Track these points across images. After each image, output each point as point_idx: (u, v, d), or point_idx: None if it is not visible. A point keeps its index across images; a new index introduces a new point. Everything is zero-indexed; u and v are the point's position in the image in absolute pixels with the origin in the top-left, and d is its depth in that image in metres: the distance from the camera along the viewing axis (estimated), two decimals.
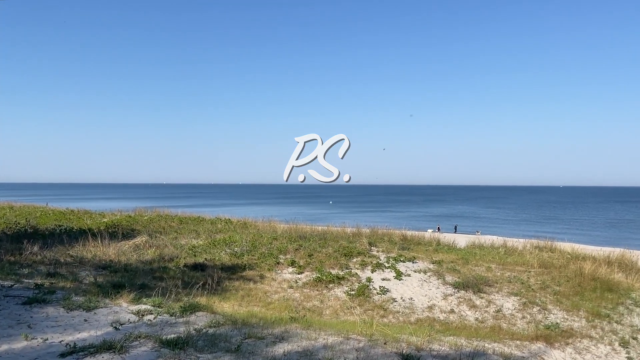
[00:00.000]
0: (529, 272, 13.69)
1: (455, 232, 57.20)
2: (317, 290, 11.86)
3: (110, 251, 13.35)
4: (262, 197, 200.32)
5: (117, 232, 16.78)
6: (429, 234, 22.52)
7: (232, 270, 12.90)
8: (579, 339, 9.52)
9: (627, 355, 9.29)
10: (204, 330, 6.25)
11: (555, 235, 22.35)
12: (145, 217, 21.50)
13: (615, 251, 17.37)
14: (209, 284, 10.79)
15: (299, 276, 12.77)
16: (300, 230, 18.38)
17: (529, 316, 10.63)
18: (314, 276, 12.60)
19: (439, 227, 60.51)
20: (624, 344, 9.64)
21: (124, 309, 7.30)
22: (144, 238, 15.79)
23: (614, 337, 9.86)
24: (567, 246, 18.24)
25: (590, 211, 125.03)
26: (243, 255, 14.33)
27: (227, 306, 9.53)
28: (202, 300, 8.99)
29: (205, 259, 13.78)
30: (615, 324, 10.47)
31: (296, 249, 14.84)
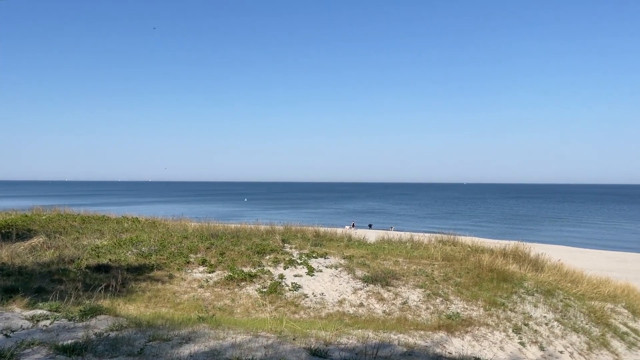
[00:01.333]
0: (433, 265, 14.38)
1: (370, 228, 58.87)
2: (228, 288, 11.71)
3: (2, 253, 12.37)
4: (174, 195, 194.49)
5: (11, 232, 15.58)
6: (341, 230, 22.97)
7: (139, 271, 12.42)
8: (477, 327, 10.14)
9: (519, 340, 10.04)
10: (105, 334, 5.96)
11: (458, 230, 23.59)
12: (44, 217, 20.11)
13: (510, 244, 18.64)
14: (113, 285, 10.31)
15: (210, 275, 12.54)
16: (212, 228, 18.04)
17: (432, 307, 11.17)
18: (225, 275, 12.43)
19: (353, 224, 61.94)
20: (517, 330, 10.41)
21: (17, 314, 6.78)
22: (41, 239, 14.78)
23: (508, 324, 10.62)
24: (467, 240, 19.29)
25: (488, 206, 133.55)
26: (151, 255, 13.83)
27: (132, 308, 9.16)
28: (105, 303, 8.56)
29: (110, 259, 13.15)
30: (509, 312, 11.27)
31: (207, 248, 14.56)
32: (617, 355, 11.09)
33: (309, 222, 21.51)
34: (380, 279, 12.42)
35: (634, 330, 13.46)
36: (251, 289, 11.71)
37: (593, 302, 14.15)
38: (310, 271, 13.02)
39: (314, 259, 14.09)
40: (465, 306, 11.37)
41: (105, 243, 15.17)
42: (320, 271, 13.13)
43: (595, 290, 15.65)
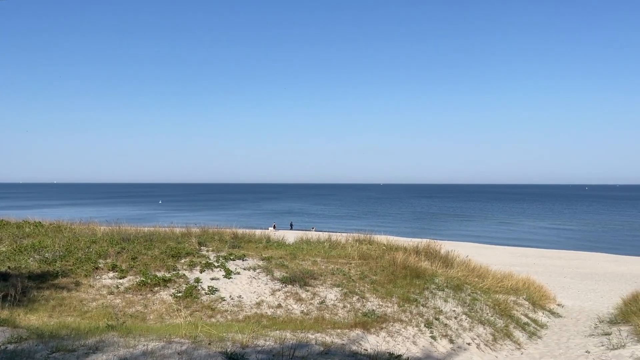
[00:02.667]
0: (350, 263, 14.64)
1: (291, 228, 59.00)
2: (141, 294, 11.24)
3: None
4: (82, 197, 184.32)
5: None
6: (260, 231, 22.80)
7: (42, 279, 11.61)
8: (391, 323, 10.44)
9: (431, 334, 10.46)
10: (2, 347, 5.51)
11: (374, 229, 24.23)
12: None
13: (422, 241, 19.36)
14: (12, 295, 9.56)
15: (121, 281, 11.98)
16: (123, 232, 17.22)
17: (349, 305, 11.36)
18: (138, 280, 11.92)
19: (274, 225, 61.82)
20: (429, 324, 10.84)
21: None
22: None
23: (421, 319, 11.03)
24: (383, 238, 19.82)
25: (402, 206, 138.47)
26: (55, 262, 12.97)
27: (34, 318, 8.55)
28: (3, 313, 7.94)
29: (9, 267, 12.19)
30: (421, 307, 11.71)
31: (118, 252, 13.89)
32: (519, 344, 11.86)
33: (227, 224, 21.14)
34: (299, 279, 12.46)
35: (534, 321, 14.48)
36: (165, 294, 11.31)
37: (498, 295, 15.06)
38: (228, 274, 12.80)
39: (231, 261, 13.87)
40: (381, 303, 11.68)
41: (4, 249, 14.05)
42: (238, 273, 12.95)
43: (499, 284, 16.66)
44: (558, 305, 18.39)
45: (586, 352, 11.08)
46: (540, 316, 15.40)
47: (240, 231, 19.20)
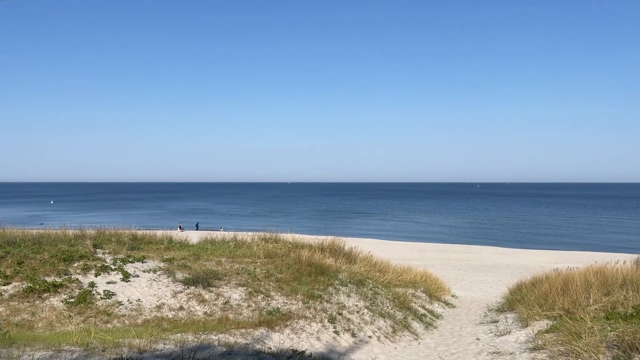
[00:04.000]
0: (256, 262, 14.57)
1: (197, 229, 57.46)
2: (28, 301, 10.42)
3: None
4: None
5: None
6: (161, 232, 22.00)
7: None
8: (296, 320, 10.53)
9: (334, 329, 10.68)
10: None
11: (280, 227, 24.31)
12: None
13: (327, 239, 19.69)
14: None
15: (5, 287, 11.02)
16: (8, 234, 15.85)
17: (254, 304, 11.30)
18: (24, 286, 11.03)
19: (180, 225, 59.98)
20: (332, 320, 11.07)
21: None
22: None
23: (324, 314, 11.23)
24: (289, 236, 19.92)
25: (308, 204, 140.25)
26: None
27: None
28: None
29: None
30: (325, 303, 11.92)
31: (2, 257, 12.77)
32: (416, 335, 12.45)
33: (125, 225, 20.18)
34: (202, 280, 12.19)
35: (430, 312, 15.26)
36: (56, 300, 10.57)
37: (397, 289, 15.70)
38: (126, 277, 12.22)
39: (130, 264, 13.25)
40: (286, 301, 11.73)
41: None
42: (138, 276, 12.41)
43: (399, 278, 17.37)
44: (452, 296, 19.53)
45: (477, 339, 11.87)
46: (436, 307, 16.26)
47: (140, 232, 18.41)
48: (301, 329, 10.23)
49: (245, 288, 12.21)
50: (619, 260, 14.78)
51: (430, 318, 14.45)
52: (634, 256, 15.65)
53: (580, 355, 7.97)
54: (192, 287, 11.89)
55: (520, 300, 14.54)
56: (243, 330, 9.34)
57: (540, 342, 9.58)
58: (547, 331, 10.32)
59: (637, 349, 7.61)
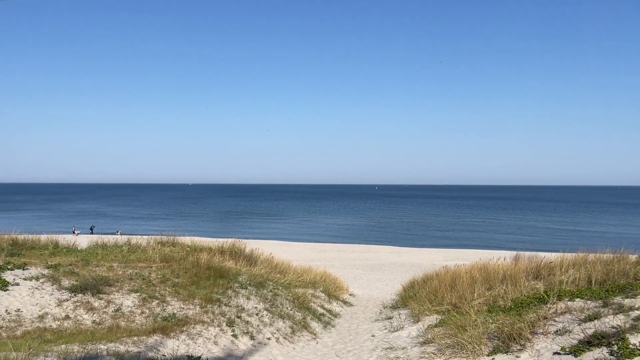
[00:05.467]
0: (151, 267, 13.99)
1: (92, 232, 54.07)
2: None
3: None
4: None
5: None
6: (45, 236, 20.43)
7: None
8: (193, 325, 10.25)
9: (232, 333, 10.54)
10: None
11: (179, 230, 23.53)
12: None
13: (228, 241, 19.42)
14: None
15: None
16: None
17: (148, 311, 10.84)
18: None
19: (74, 229, 56.17)
20: (230, 323, 10.91)
21: None
22: None
23: (223, 318, 11.04)
24: (188, 239, 19.39)
25: (209, 206, 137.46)
26: None
27: None
28: None
29: None
30: (224, 307, 11.73)
31: None
32: (315, 334, 12.63)
33: (6, 229, 18.55)
34: (91, 287, 11.48)
35: (329, 311, 15.56)
36: None
37: (298, 290, 15.83)
38: (4, 285, 11.19)
39: (9, 271, 12.16)
40: (182, 306, 11.39)
41: None
42: (17, 284, 11.42)
43: (299, 279, 17.54)
44: (350, 295, 20.06)
45: (372, 335, 12.29)
46: (335, 306, 16.61)
47: (21, 237, 16.99)
48: (198, 334, 9.98)
49: (138, 294, 11.68)
50: (500, 257, 16.00)
51: (328, 317, 14.73)
52: (513, 253, 17.01)
53: (464, 347, 8.52)
54: (80, 295, 11.16)
55: (413, 297, 15.27)
56: (135, 338, 8.92)
57: (429, 336, 10.12)
58: (436, 325, 10.93)
59: (514, 339, 8.27)
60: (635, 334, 7.11)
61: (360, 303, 18.51)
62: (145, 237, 19.96)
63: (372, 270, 33.20)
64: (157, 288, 12.25)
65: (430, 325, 11.27)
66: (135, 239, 18.85)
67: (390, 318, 14.10)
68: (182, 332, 9.80)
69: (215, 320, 10.82)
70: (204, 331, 10.19)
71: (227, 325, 10.81)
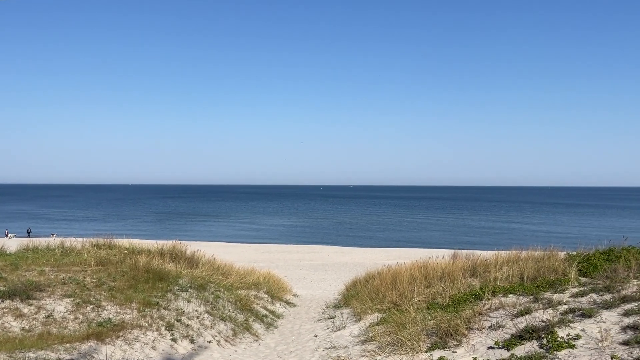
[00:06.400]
0: (86, 271, 13.42)
1: (29, 235, 51.41)
2: None
3: None
4: None
5: None
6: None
7: None
8: (129, 330, 9.92)
9: (171, 337, 10.28)
10: None
11: (117, 232, 22.74)
12: None
13: (168, 243, 18.97)
14: None
15: None
16: None
17: (82, 316, 10.40)
18: None
19: (7, 232, 53.20)
20: (170, 327, 10.64)
21: None
22: None
23: (162, 322, 10.75)
24: (126, 242, 18.79)
25: (149, 207, 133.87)
26: None
27: None
28: None
29: None
30: (163, 310, 11.42)
31: None
32: (257, 336, 12.53)
33: None
34: (20, 292, 10.87)
35: (272, 312, 15.48)
36: None
37: (240, 291, 15.66)
38: None
39: None
40: (119, 310, 11.00)
41: None
42: None
43: (242, 280, 17.35)
44: (294, 295, 20.06)
45: (314, 335, 12.33)
46: (278, 307, 16.55)
47: None
48: (135, 339, 9.67)
49: (72, 299, 11.17)
50: (439, 256, 16.47)
51: (271, 318, 14.66)
52: (451, 251, 17.56)
53: (404, 344, 8.69)
54: (8, 301, 10.55)
55: (355, 296, 15.45)
56: (68, 345, 8.53)
57: (371, 334, 10.26)
58: (377, 324, 11.10)
59: (451, 335, 8.53)
60: (563, 327, 7.49)
61: (304, 303, 18.54)
62: (80, 239, 19.16)
63: (316, 271, 33.36)
64: (92, 292, 11.77)
65: (371, 323, 11.43)
66: (69, 242, 18.06)
67: (332, 317, 14.20)
68: (118, 337, 9.46)
69: (153, 325, 10.51)
70: (142, 336, 9.88)
71: (166, 329, 10.53)
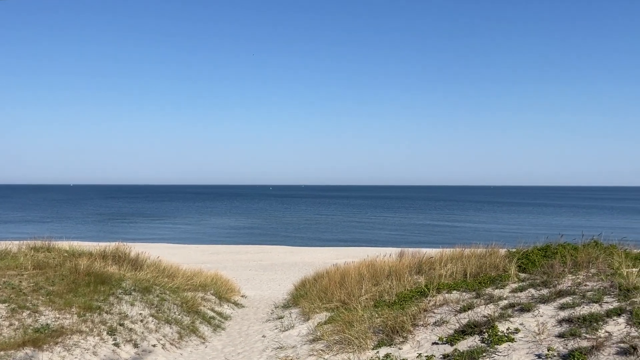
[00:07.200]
0: (22, 275, 12.80)
1: None
2: None
3: None
4: None
5: None
6: None
7: None
8: (69, 336, 9.54)
9: (114, 342, 9.96)
10: None
11: (56, 234, 21.80)
12: None
13: (111, 245, 18.38)
14: None
15: None
16: None
17: (17, 322, 9.90)
18: None
19: None
20: (112, 331, 10.30)
21: None
22: None
23: (103, 327, 10.39)
24: (66, 244, 18.09)
25: (91, 207, 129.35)
26: None
27: None
28: None
29: None
30: (105, 315, 11.04)
31: None
32: (204, 338, 12.33)
33: None
34: None
35: (219, 314, 15.28)
36: None
37: (187, 293, 15.37)
38: None
39: None
40: (58, 315, 10.55)
41: None
42: None
43: (189, 282, 17.04)
44: (242, 296, 19.87)
45: (263, 336, 12.26)
46: (226, 309, 16.36)
47: None
48: (75, 344, 9.30)
49: (7, 304, 10.62)
50: (386, 254, 16.72)
51: (219, 320, 14.46)
52: (398, 249, 17.87)
53: (352, 342, 8.77)
54: None
55: (304, 296, 15.48)
56: (2, 352, 8.11)
57: (319, 333, 10.31)
58: (325, 323, 11.16)
59: (397, 331, 8.68)
60: (504, 322, 7.77)
61: (252, 304, 18.41)
62: (16, 242, 18.27)
63: (265, 271, 33.19)
64: (29, 297, 11.23)
65: (319, 322, 11.48)
66: (4, 245, 17.20)
67: (281, 318, 14.17)
68: (56, 343, 9.08)
69: (95, 329, 10.15)
70: (82, 341, 9.52)
71: (108, 333, 10.19)
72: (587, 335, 6.54)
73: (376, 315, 9.90)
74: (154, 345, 10.58)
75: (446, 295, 10.33)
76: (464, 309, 9.03)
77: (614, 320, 6.88)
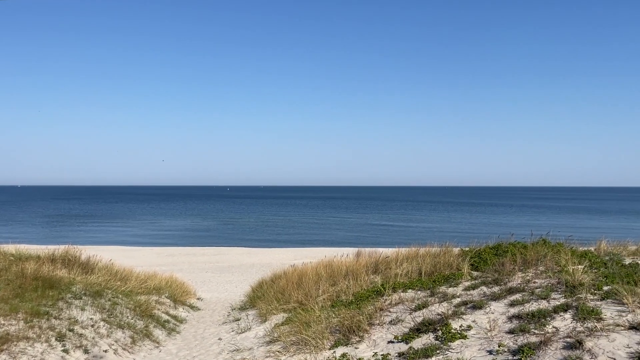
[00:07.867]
0: None
1: None
2: None
3: None
4: None
5: None
6: None
7: None
8: (15, 343, 9.15)
9: (63, 348, 9.62)
10: None
11: (0, 237, 20.92)
12: None
13: (60, 248, 17.77)
14: None
15: None
16: None
17: None
18: None
19: None
20: (61, 337, 9.95)
21: None
22: None
23: (52, 333, 10.02)
24: (11, 248, 17.39)
25: (38, 209, 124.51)
26: None
27: None
28: None
29: None
30: (54, 320, 10.66)
31: None
32: (158, 342, 12.07)
33: None
34: None
35: (174, 317, 15.00)
36: None
37: (140, 297, 15.00)
38: None
39: None
40: (3, 322, 10.10)
41: None
42: None
43: (143, 285, 16.64)
44: (198, 299, 19.57)
45: (219, 339, 12.11)
46: (181, 312, 16.07)
47: None
48: (21, 351, 8.93)
49: None
50: (343, 254, 16.84)
51: (173, 323, 14.19)
52: (355, 249, 18.02)
53: (308, 343, 8.78)
54: None
55: (261, 297, 15.39)
56: None
57: (276, 334, 10.27)
58: (282, 324, 11.13)
59: (354, 331, 8.75)
60: (457, 319, 7.96)
61: (209, 307, 18.16)
62: None
63: (222, 273, 32.80)
64: None
65: (277, 324, 11.44)
66: None
67: (238, 320, 14.04)
68: (1, 351, 8.69)
69: (42, 336, 9.77)
70: (29, 348, 9.15)
71: (56, 339, 9.83)
72: (536, 331, 6.78)
73: (333, 315, 9.94)
74: (105, 351, 10.28)
75: (402, 294, 10.48)
76: (418, 308, 9.20)
77: (560, 315, 7.15)
